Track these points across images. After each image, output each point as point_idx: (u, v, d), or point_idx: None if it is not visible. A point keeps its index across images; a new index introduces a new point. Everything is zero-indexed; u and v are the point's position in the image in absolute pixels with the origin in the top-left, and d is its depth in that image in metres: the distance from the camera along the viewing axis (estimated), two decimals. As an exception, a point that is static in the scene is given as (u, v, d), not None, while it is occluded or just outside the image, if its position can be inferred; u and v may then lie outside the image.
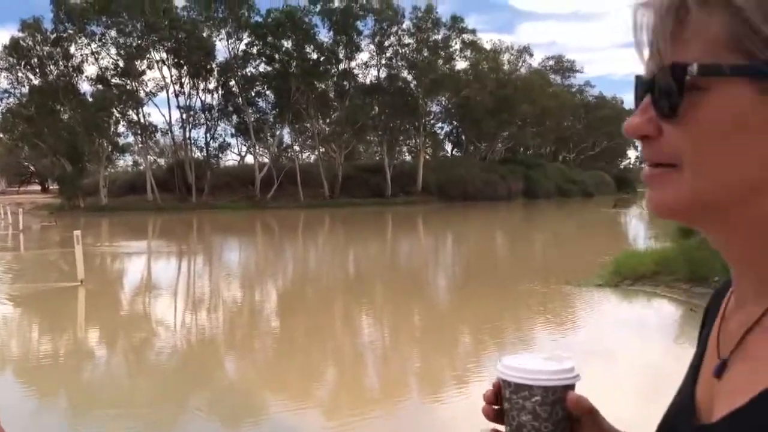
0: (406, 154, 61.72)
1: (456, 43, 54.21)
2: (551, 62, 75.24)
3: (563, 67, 75.77)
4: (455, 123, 62.70)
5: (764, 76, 0.49)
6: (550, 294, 12.67)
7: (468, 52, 55.93)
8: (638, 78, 0.58)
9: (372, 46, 52.54)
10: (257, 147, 52.41)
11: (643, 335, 9.50)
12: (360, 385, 7.65)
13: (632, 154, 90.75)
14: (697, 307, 10.58)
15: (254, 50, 49.49)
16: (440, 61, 52.94)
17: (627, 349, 8.69)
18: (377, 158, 56.99)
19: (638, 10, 0.56)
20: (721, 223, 0.56)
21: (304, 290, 14.73)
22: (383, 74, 53.52)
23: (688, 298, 11.08)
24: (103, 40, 46.61)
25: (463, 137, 63.45)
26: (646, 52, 0.56)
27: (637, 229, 31.68)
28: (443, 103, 59.01)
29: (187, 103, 50.14)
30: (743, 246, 0.57)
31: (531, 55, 68.42)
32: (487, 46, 60.12)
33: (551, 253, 21.63)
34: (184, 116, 49.98)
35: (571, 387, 0.75)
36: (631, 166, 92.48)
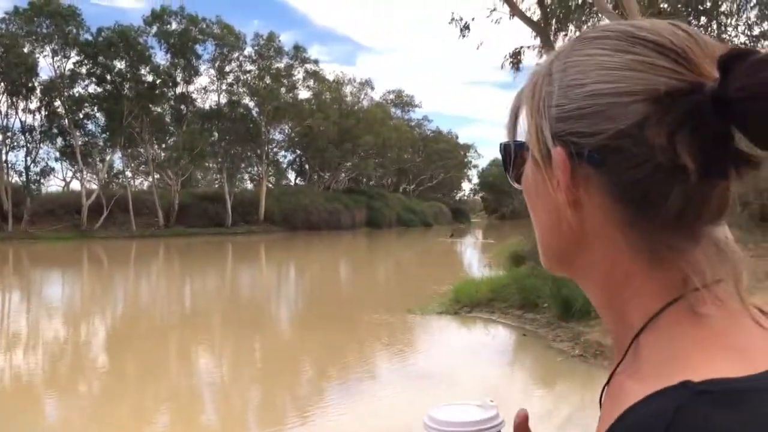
0: (248, 182, 60.68)
1: (299, 73, 54.49)
2: (392, 96, 78.01)
3: (403, 101, 78.78)
4: (299, 152, 62.74)
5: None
6: (394, 323, 12.82)
7: (311, 82, 56.42)
8: None
9: (212, 71, 51.35)
10: (85, 172, 48.87)
11: (482, 360, 9.85)
12: (198, 424, 7.19)
13: (466, 186, 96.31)
14: (528, 332, 11.20)
15: (83, 70, 46.35)
16: (283, 90, 52.82)
17: (467, 373, 8.96)
18: (217, 186, 55.40)
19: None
20: (572, 275, 0.61)
21: (137, 327, 13.72)
22: (224, 100, 52.42)
23: (520, 324, 11.71)
24: None
25: (307, 166, 63.60)
26: None
27: (472, 258, 33.33)
28: (286, 131, 58.84)
29: (4, 124, 45.71)
30: (591, 297, 0.60)
31: (372, 88, 70.58)
32: (330, 77, 61.09)
33: (394, 282, 22.05)
34: (0, 137, 45.52)
35: None
36: (465, 197, 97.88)
